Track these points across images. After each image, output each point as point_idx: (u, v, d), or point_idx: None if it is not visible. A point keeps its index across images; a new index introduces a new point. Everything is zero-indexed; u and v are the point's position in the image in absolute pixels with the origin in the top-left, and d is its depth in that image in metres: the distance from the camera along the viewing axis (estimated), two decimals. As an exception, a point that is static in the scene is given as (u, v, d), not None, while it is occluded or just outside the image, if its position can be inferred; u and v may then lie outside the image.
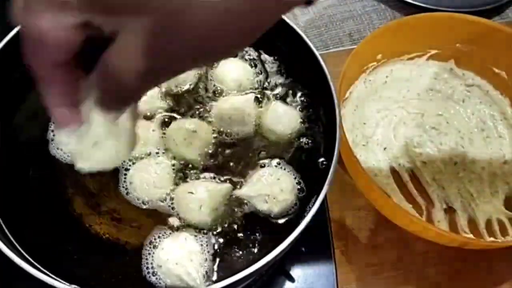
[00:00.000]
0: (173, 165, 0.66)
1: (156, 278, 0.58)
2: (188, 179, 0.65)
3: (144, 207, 0.63)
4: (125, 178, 0.64)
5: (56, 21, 0.34)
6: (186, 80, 0.72)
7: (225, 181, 0.65)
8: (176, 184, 0.64)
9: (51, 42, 0.35)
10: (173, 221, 0.62)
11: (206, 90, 0.72)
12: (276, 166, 0.66)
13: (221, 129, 0.68)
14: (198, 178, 0.65)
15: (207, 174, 0.65)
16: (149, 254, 0.59)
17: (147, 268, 0.58)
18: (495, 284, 0.77)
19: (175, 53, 0.35)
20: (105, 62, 0.36)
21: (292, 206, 0.63)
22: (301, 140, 0.70)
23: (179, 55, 0.35)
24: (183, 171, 0.65)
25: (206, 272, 0.59)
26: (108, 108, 0.40)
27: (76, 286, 0.54)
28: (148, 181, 0.63)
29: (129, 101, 0.41)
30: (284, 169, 0.66)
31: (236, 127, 0.68)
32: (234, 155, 0.67)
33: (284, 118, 0.69)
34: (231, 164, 0.66)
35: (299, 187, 0.65)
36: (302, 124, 0.70)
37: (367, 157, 0.84)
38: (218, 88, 0.72)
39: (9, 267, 0.52)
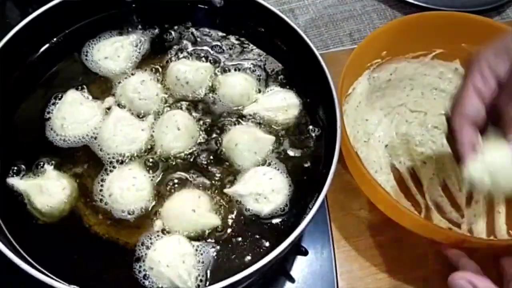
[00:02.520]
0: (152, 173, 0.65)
1: (149, 282, 0.57)
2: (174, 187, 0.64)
3: (129, 217, 0.62)
4: (101, 187, 0.63)
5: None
6: (201, 86, 0.72)
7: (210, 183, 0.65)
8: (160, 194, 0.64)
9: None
10: (157, 224, 0.61)
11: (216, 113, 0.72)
12: (269, 165, 0.66)
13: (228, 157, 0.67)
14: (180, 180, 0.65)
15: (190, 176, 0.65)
16: (141, 256, 0.59)
17: (139, 271, 0.58)
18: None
19: None
20: None
21: (283, 208, 0.63)
22: (302, 139, 0.69)
23: None
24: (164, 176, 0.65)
25: (200, 274, 0.58)
26: None
27: (75, 286, 0.53)
28: (128, 188, 0.62)
29: None
30: (278, 169, 0.66)
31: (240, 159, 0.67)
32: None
33: (281, 100, 0.71)
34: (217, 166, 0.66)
35: (291, 188, 0.64)
36: (301, 109, 0.72)
37: (368, 154, 0.84)
38: (227, 106, 0.71)
39: (9, 268, 0.52)
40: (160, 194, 0.64)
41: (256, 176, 0.64)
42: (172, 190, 0.64)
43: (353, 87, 0.88)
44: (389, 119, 0.89)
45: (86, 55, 0.74)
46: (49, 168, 0.64)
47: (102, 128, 0.67)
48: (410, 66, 0.93)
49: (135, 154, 0.66)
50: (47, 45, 0.74)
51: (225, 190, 0.63)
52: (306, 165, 0.67)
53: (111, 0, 0.75)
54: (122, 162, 0.65)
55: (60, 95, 0.69)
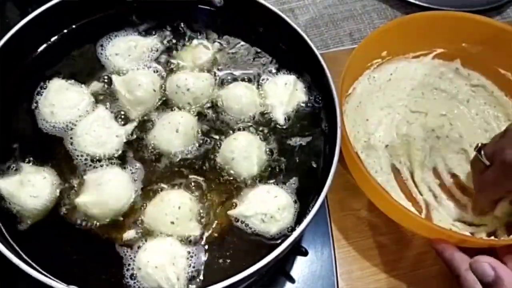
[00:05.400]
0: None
1: (134, 282, 0.57)
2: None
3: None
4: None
5: None
6: (203, 94, 0.71)
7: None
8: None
9: None
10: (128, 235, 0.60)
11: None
12: (273, 183, 0.65)
13: (224, 167, 0.66)
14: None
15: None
16: (130, 255, 0.59)
17: (127, 270, 0.58)
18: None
19: None
20: None
21: (290, 226, 0.62)
22: (303, 140, 0.69)
23: None
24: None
25: (191, 277, 0.58)
26: None
27: (74, 286, 0.53)
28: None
29: None
30: (281, 187, 0.64)
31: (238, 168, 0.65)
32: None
33: (286, 86, 0.71)
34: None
35: (297, 205, 0.63)
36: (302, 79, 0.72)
37: (368, 153, 0.84)
38: (236, 118, 0.71)
39: (9, 268, 0.52)
40: (143, 195, 0.63)
41: (259, 195, 0.62)
42: (155, 192, 0.63)
43: (353, 87, 0.87)
44: (390, 119, 0.89)
45: (101, 49, 0.74)
46: (25, 165, 0.63)
47: (79, 123, 0.67)
48: (411, 66, 0.93)
49: (107, 157, 0.65)
50: (45, 45, 0.74)
51: (229, 212, 0.62)
52: (307, 164, 0.67)
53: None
54: (93, 161, 0.65)
55: (45, 85, 0.69)
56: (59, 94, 0.68)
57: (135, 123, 0.68)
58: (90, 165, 0.64)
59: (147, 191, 0.63)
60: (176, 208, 0.60)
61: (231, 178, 0.65)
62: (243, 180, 0.65)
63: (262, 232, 0.61)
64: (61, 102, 0.67)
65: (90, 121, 0.66)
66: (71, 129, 0.67)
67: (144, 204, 0.62)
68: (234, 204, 0.63)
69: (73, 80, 0.70)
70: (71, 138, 0.66)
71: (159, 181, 0.64)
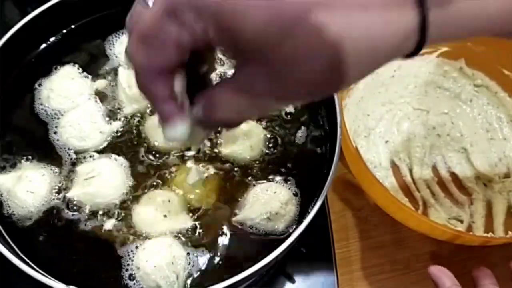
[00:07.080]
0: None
1: (134, 283, 0.57)
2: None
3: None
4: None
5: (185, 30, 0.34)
6: None
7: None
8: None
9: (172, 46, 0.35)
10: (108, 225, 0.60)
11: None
12: (270, 180, 0.64)
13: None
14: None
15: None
16: (129, 255, 0.58)
17: (126, 270, 0.57)
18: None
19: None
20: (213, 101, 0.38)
21: (295, 219, 0.62)
22: (302, 140, 0.69)
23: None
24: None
25: (191, 278, 0.57)
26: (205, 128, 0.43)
27: (73, 287, 0.53)
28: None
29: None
30: (277, 181, 0.64)
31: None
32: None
33: None
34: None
35: (298, 198, 0.63)
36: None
37: (368, 148, 0.84)
38: None
39: (7, 268, 0.52)
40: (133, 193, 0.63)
41: (259, 195, 0.62)
42: (143, 190, 0.63)
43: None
44: (391, 116, 0.88)
45: (110, 46, 0.74)
46: (24, 162, 0.63)
47: (66, 114, 0.66)
48: (415, 64, 0.92)
49: (90, 150, 0.65)
50: (45, 45, 0.73)
51: (234, 219, 0.61)
52: (307, 165, 0.67)
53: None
54: (77, 153, 0.65)
55: (54, 69, 0.70)
56: (62, 80, 0.68)
57: (123, 121, 0.68)
58: (83, 159, 0.64)
59: (136, 189, 0.63)
60: (167, 202, 0.60)
61: (228, 175, 0.65)
62: (240, 179, 0.65)
63: (270, 231, 0.61)
64: (60, 89, 0.67)
65: (77, 114, 0.66)
66: (58, 118, 0.66)
67: (134, 203, 0.62)
68: (233, 204, 0.63)
69: (84, 72, 0.70)
70: (55, 127, 0.66)
71: (147, 179, 0.64)
